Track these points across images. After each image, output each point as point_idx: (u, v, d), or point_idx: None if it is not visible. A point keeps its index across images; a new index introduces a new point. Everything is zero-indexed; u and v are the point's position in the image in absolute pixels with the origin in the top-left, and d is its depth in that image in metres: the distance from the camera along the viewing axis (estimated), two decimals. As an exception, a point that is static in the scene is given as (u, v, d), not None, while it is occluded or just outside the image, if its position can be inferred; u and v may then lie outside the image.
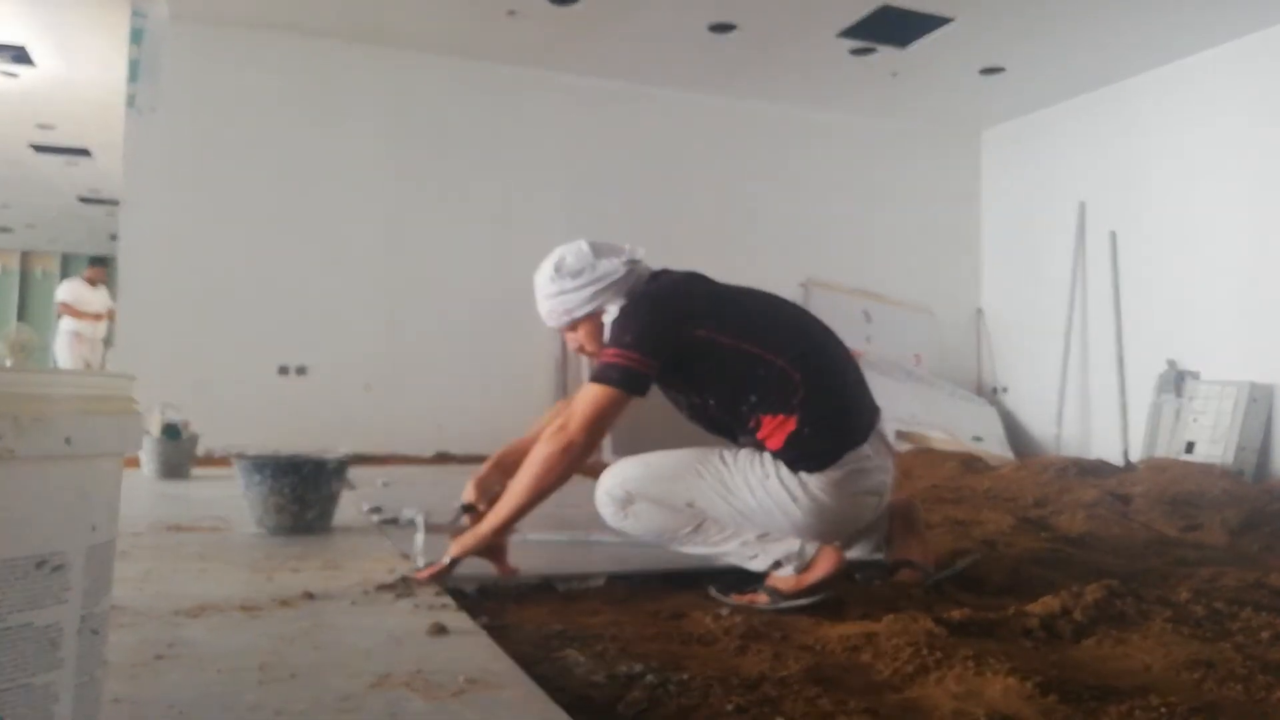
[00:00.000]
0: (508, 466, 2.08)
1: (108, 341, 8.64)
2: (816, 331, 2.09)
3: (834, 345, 2.10)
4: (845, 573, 1.89)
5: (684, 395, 2.04)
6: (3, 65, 6.33)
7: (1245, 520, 3.15)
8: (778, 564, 1.90)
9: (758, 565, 1.93)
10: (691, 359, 1.94)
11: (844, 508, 1.94)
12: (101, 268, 8.88)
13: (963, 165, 7.39)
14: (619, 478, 2.01)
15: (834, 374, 2.01)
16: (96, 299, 8.70)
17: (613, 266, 2.01)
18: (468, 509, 2.04)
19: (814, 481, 1.91)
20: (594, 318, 2.04)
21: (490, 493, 2.06)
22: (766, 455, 1.97)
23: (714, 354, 1.94)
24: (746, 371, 1.93)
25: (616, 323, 1.98)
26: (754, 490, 1.95)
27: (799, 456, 1.92)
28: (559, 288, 2.03)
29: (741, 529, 1.95)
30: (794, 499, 1.92)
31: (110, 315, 8.78)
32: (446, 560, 1.88)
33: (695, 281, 2.08)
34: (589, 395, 1.87)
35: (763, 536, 1.93)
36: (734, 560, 1.96)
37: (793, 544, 1.90)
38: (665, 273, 2.10)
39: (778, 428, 1.94)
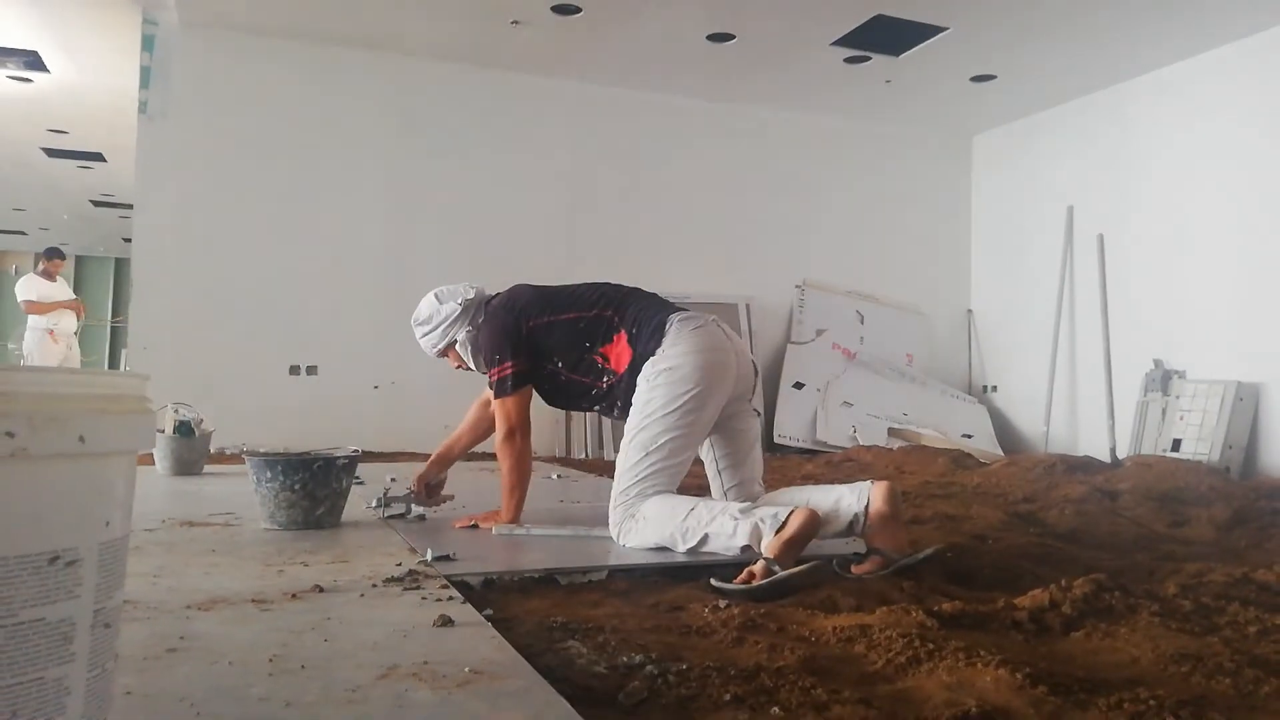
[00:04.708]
0: (442, 460, 2.80)
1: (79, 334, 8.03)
2: (627, 290, 2.55)
3: (646, 294, 2.54)
4: (817, 526, 2.01)
5: (540, 369, 2.50)
6: (16, 70, 6.33)
7: (1232, 516, 3.16)
8: (759, 533, 2.00)
9: (739, 540, 2.03)
10: (535, 341, 2.48)
11: (693, 355, 2.24)
12: (59, 260, 8.08)
13: (954, 169, 7.45)
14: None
15: (641, 298, 2.49)
16: (58, 293, 7.92)
17: (451, 309, 2.63)
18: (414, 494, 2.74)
19: (661, 356, 2.26)
20: (453, 346, 2.68)
21: (433, 481, 2.79)
22: (636, 387, 2.30)
23: (549, 331, 2.47)
24: (574, 330, 2.45)
25: (479, 344, 2.58)
26: (645, 406, 2.25)
27: (641, 353, 2.32)
28: (421, 332, 2.70)
29: (728, 506, 2.10)
30: (654, 385, 2.24)
31: (77, 309, 8.06)
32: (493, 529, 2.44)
33: (519, 290, 2.61)
34: (503, 406, 2.48)
35: (745, 509, 2.07)
36: (724, 539, 2.06)
37: (767, 510, 2.03)
38: (496, 295, 2.66)
39: (616, 349, 2.38)
